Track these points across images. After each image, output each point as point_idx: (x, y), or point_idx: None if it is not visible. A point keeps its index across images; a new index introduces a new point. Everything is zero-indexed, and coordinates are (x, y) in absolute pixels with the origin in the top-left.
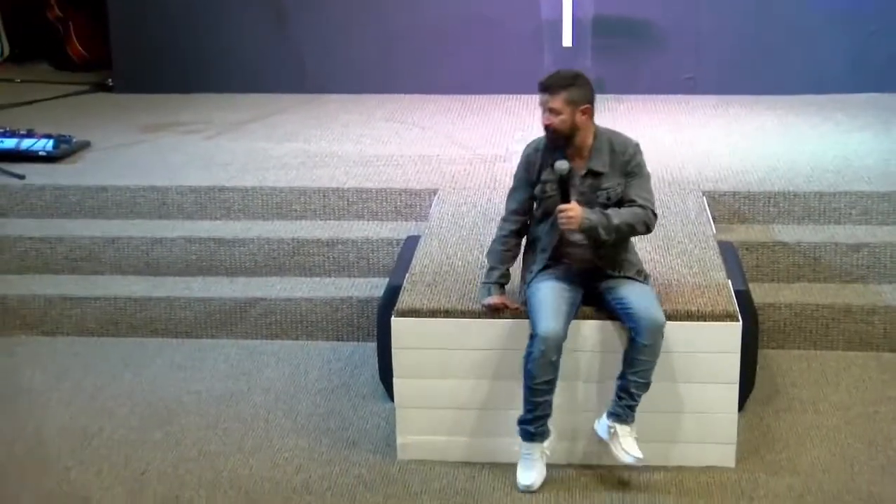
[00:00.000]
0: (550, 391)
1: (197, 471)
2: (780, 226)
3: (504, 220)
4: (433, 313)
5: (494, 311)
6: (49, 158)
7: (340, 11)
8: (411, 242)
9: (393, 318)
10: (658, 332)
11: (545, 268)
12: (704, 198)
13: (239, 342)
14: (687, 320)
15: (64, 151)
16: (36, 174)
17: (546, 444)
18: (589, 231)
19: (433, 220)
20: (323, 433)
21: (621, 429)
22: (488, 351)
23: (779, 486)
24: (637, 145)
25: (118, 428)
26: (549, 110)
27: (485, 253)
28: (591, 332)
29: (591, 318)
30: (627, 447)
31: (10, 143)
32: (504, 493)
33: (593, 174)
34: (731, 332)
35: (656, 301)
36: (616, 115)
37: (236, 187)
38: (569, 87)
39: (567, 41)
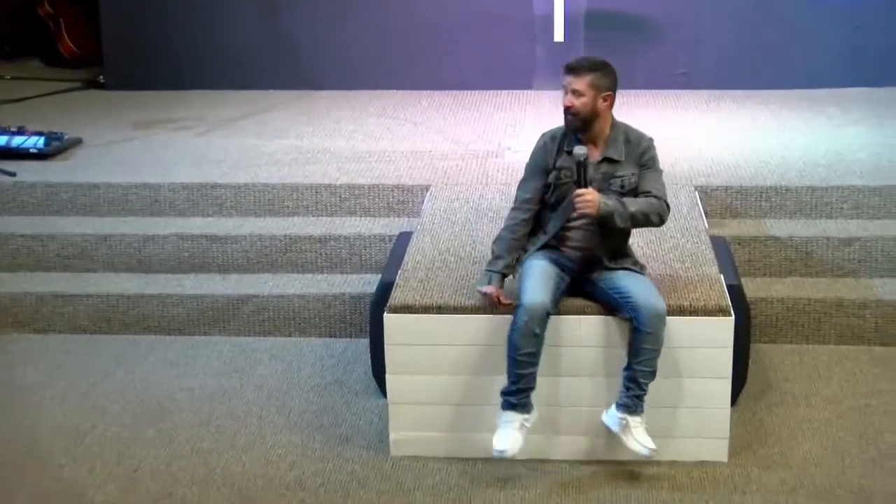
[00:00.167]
0: (533, 364)
1: (190, 468)
2: (773, 220)
3: (515, 208)
4: (425, 309)
5: (487, 300)
6: (40, 156)
7: (332, 8)
8: (403, 238)
9: (385, 315)
10: (659, 319)
11: (543, 247)
12: (697, 192)
13: (231, 339)
14: (679, 315)
15: (55, 148)
16: (27, 171)
17: (527, 416)
18: (606, 217)
19: (425, 216)
20: (316, 430)
21: (632, 420)
22: (481, 347)
23: (771, 481)
24: (651, 140)
25: (111, 425)
26: (571, 92)
27: (491, 241)
28: (592, 328)
29: (592, 313)
30: (641, 439)
31: (0, 140)
32: (497, 489)
33: (609, 162)
34: (724, 327)
35: (655, 289)
36: None
37: (228, 184)
38: (595, 71)
39: (559, 36)
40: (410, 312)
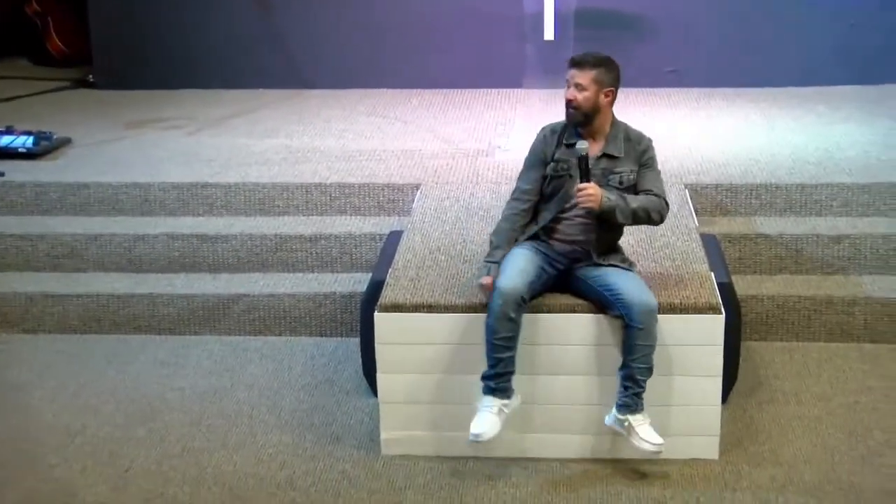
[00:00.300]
0: (510, 348)
1: (181, 467)
2: (763, 218)
3: (514, 199)
4: (416, 308)
5: (483, 290)
6: (29, 155)
7: (323, 7)
8: (394, 237)
9: (376, 314)
10: (651, 314)
11: (532, 238)
12: (687, 190)
13: (222, 338)
14: (670, 313)
15: (44, 148)
16: (16, 171)
17: (506, 402)
18: (608, 212)
19: (416, 214)
20: (307, 429)
21: (634, 419)
22: (472, 345)
23: (761, 478)
24: (651, 140)
25: (102, 425)
26: (574, 85)
27: (482, 239)
28: (583, 326)
29: (584, 311)
30: (646, 436)
31: None
32: (489, 487)
33: (608, 158)
34: (714, 325)
35: (645, 285)
36: None
37: (219, 183)
38: (599, 66)
39: (549, 34)
40: (401, 311)
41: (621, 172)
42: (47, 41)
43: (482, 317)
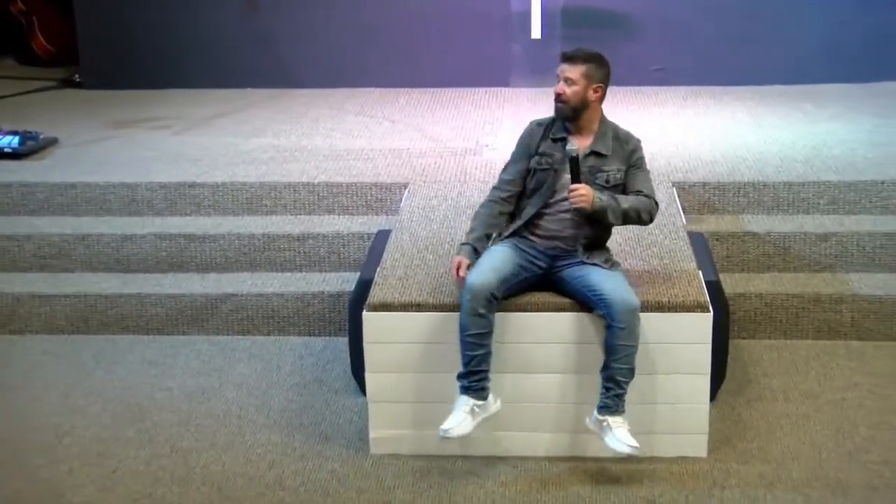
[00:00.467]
0: (482, 346)
1: (170, 467)
2: (750, 216)
3: (495, 187)
4: (404, 307)
5: (455, 268)
6: (15, 155)
7: (310, 6)
8: (382, 236)
9: (364, 313)
10: (632, 313)
11: (513, 234)
12: (674, 188)
13: (210, 338)
14: (658, 311)
15: (30, 148)
16: (2, 171)
17: (480, 402)
18: (600, 212)
19: (404, 213)
20: (296, 428)
21: (613, 420)
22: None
23: (750, 475)
24: (639, 140)
25: (90, 426)
26: (564, 79)
27: (460, 240)
28: (570, 324)
29: (572, 310)
30: (623, 437)
31: None
32: (478, 486)
33: (596, 155)
34: (703, 323)
35: (627, 285)
36: None
37: (206, 183)
38: (589, 62)
39: (536, 33)
40: (389, 310)
41: (608, 171)
42: (33, 40)
43: None
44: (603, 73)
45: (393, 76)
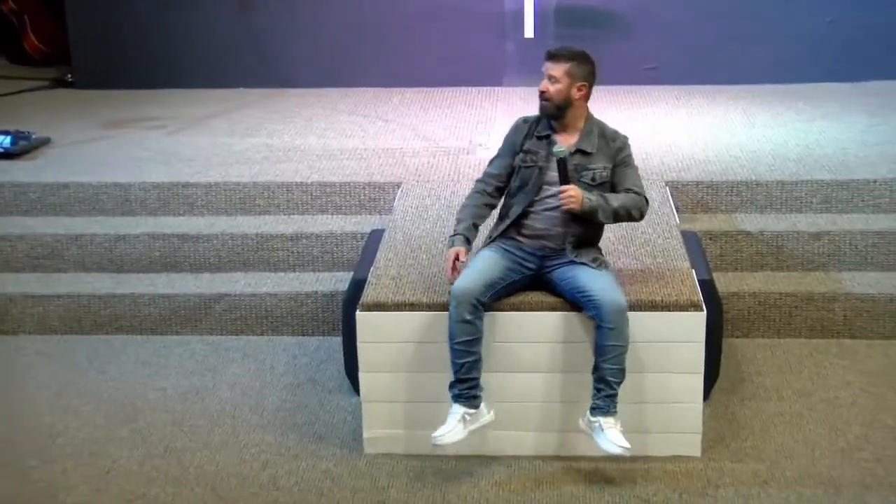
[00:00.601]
0: (470, 353)
1: (163, 467)
2: (743, 215)
3: (479, 180)
4: (398, 307)
5: (448, 263)
6: (7, 155)
7: (304, 6)
8: (375, 236)
9: (358, 313)
10: (620, 313)
11: (501, 236)
12: (668, 188)
13: (204, 338)
14: (651, 310)
15: (23, 148)
16: None
17: (471, 411)
18: (589, 212)
19: (397, 213)
20: (290, 428)
21: (605, 421)
22: None
23: (744, 474)
24: (626, 138)
25: (83, 426)
26: (548, 77)
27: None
28: (562, 324)
29: (564, 309)
30: (614, 438)
31: None
32: (472, 486)
33: (581, 153)
34: (696, 322)
35: (615, 284)
36: None
37: (199, 183)
38: (572, 60)
39: (529, 32)
40: (383, 310)
41: (594, 169)
42: (24, 40)
43: None
44: (587, 71)
45: (386, 76)
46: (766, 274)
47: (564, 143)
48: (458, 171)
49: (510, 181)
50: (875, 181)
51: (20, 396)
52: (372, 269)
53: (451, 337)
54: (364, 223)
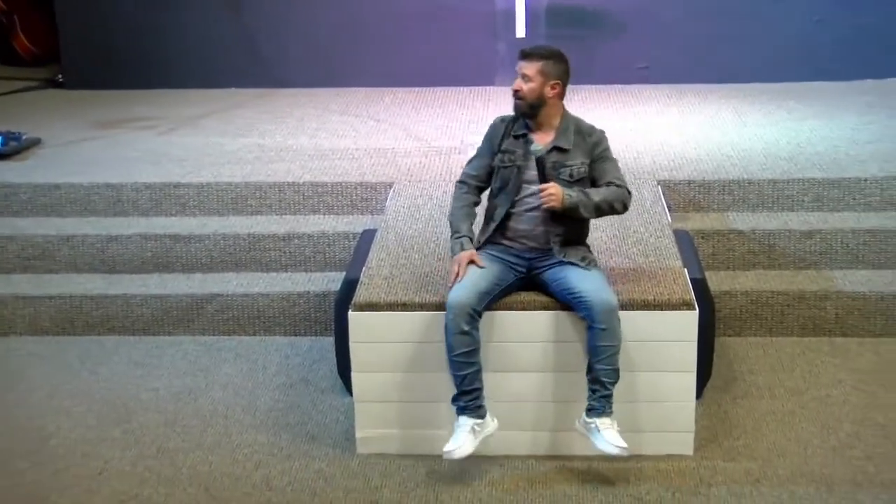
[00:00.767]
0: (470, 364)
1: (156, 468)
2: (735, 213)
3: (459, 181)
4: (390, 307)
5: (462, 265)
6: None
7: (295, 5)
8: (368, 236)
9: (350, 313)
10: (611, 313)
11: (490, 241)
12: (660, 187)
13: (196, 338)
14: (644, 309)
15: (13, 149)
16: None
17: (479, 421)
18: (571, 209)
19: (389, 213)
20: (282, 428)
21: (601, 422)
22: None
23: (736, 472)
24: (603, 132)
25: (75, 427)
26: (521, 76)
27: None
28: (554, 323)
29: (555, 309)
30: (611, 438)
31: None
32: (465, 485)
33: (558, 150)
34: (688, 321)
35: (605, 284)
36: (570, 105)
37: (191, 183)
38: (546, 59)
39: (520, 32)
40: (375, 310)
41: (572, 165)
42: (14, 40)
43: None
44: (560, 69)
45: (378, 75)
46: (757, 272)
47: (541, 141)
48: (450, 170)
49: (490, 181)
50: (866, 179)
51: (12, 398)
52: (364, 269)
53: (450, 350)
54: (356, 223)
